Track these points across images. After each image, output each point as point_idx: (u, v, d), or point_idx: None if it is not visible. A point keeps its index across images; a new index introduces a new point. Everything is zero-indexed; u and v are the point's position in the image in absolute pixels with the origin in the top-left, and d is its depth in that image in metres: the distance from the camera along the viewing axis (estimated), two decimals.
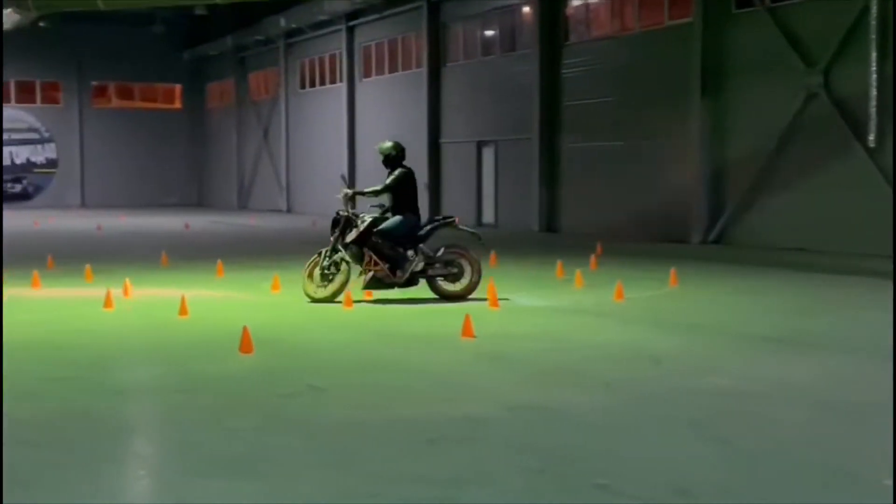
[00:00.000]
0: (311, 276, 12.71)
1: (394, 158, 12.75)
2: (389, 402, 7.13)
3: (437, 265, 12.75)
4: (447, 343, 9.65)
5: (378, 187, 12.73)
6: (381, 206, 13.03)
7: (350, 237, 12.55)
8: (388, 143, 12.88)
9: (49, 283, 14.74)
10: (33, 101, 49.34)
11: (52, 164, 49.66)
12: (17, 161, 49.10)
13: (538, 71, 28.44)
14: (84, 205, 49.05)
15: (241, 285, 14.58)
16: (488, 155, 31.44)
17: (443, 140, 33.55)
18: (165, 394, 7.56)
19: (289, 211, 43.21)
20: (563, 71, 28.05)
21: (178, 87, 52.69)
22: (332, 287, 12.59)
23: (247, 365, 8.54)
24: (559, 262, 16.28)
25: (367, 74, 38.01)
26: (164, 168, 51.29)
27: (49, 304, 12.71)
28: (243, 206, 48.04)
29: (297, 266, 16.93)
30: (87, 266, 15.65)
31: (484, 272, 16.21)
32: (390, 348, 9.46)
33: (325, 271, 12.61)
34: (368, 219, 12.66)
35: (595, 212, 26.87)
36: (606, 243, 21.69)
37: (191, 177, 52.52)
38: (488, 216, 31.35)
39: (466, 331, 9.87)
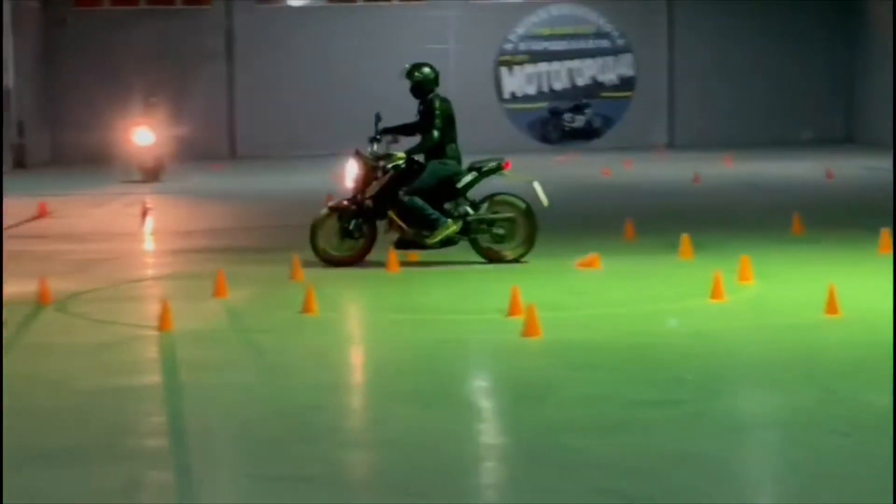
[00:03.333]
0: (322, 228, 14.95)
1: (420, 85, 14.88)
2: None
3: (479, 223, 14.70)
4: None
5: (421, 138, 14.68)
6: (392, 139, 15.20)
7: (370, 191, 14.72)
8: (408, 66, 15.05)
9: (627, 258, 15.56)
10: None
11: (626, 84, 51.51)
12: (580, 82, 51.42)
13: None
14: (672, 144, 50.60)
15: None
16: None
17: None
18: (811, 433, 7.66)
19: None
20: None
21: None
22: (353, 248, 14.92)
23: None
24: None
25: None
26: (793, 86, 51.43)
27: (625, 292, 13.43)
28: None
29: None
30: (684, 235, 16.13)
31: None
32: None
33: (348, 228, 14.84)
34: (391, 167, 14.72)
35: None
36: None
37: (834, 97, 52.19)
38: None
39: None
